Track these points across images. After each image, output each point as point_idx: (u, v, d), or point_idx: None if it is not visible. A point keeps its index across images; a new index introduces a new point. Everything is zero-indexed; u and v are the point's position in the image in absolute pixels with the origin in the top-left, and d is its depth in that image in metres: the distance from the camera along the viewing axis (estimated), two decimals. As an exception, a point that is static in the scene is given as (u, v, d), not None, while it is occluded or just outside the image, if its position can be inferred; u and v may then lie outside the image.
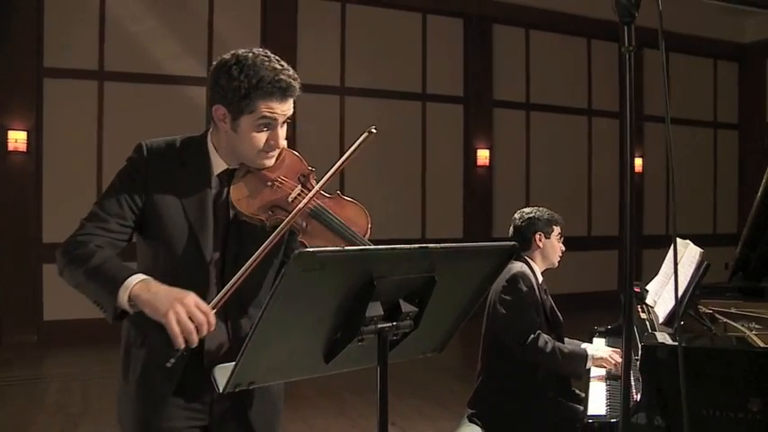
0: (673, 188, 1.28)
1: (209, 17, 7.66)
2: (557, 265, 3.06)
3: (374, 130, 1.61)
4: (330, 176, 1.62)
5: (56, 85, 7.07)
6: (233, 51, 1.66)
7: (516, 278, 2.82)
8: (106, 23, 7.27)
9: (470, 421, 2.85)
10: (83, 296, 1.60)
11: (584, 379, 2.75)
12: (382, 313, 1.21)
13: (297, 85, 1.64)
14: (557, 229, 3.02)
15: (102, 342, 5.99)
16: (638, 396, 2.03)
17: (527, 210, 3.06)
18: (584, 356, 2.74)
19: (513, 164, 9.39)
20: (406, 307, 1.25)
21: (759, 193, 2.75)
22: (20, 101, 6.86)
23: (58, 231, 6.93)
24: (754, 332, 2.41)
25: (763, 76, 10.75)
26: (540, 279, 2.97)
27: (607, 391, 2.53)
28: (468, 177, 9.04)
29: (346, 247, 1.12)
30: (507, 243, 1.34)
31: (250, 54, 1.62)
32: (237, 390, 1.20)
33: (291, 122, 1.71)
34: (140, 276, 1.53)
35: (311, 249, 1.07)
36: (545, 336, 2.75)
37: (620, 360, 2.61)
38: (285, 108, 1.64)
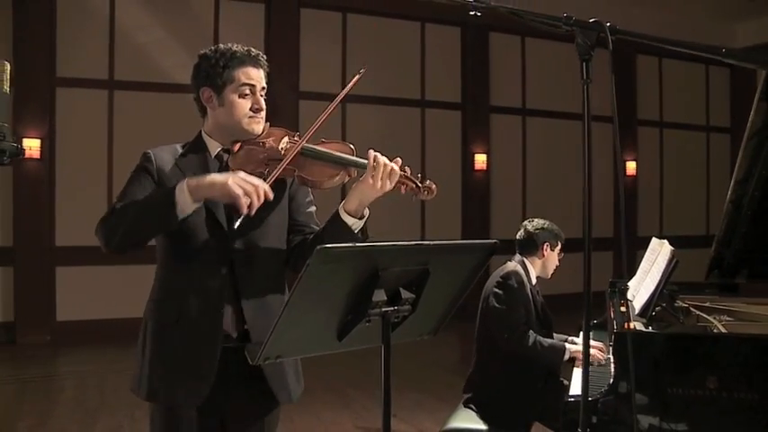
0: (622, 190, 1.52)
1: (215, 28, 7.92)
2: (549, 276, 3.35)
3: (363, 71, 1.98)
4: (326, 115, 1.94)
5: (68, 95, 7.33)
6: None
7: (509, 275, 3.12)
8: (116, 34, 7.52)
9: (465, 407, 3.11)
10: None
11: (570, 368, 3.01)
12: (385, 299, 1.46)
13: (264, 58, 1.97)
14: (560, 245, 3.31)
15: (114, 341, 6.23)
16: (612, 378, 2.29)
17: (540, 220, 3.33)
18: (561, 349, 3.04)
19: (510, 168, 9.62)
20: (405, 294, 1.49)
21: (728, 195, 2.98)
22: (33, 110, 7.08)
23: (70, 235, 7.21)
24: (722, 323, 2.67)
25: (754, 80, 10.97)
26: (534, 281, 3.24)
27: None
28: (466, 181, 9.28)
29: (356, 244, 1.37)
30: (490, 241, 1.59)
31: (221, 44, 1.97)
32: (267, 362, 1.45)
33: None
34: (185, 180, 1.77)
35: (329, 246, 1.31)
36: (529, 331, 3.04)
37: (599, 354, 2.89)
38: (259, 76, 1.95)
